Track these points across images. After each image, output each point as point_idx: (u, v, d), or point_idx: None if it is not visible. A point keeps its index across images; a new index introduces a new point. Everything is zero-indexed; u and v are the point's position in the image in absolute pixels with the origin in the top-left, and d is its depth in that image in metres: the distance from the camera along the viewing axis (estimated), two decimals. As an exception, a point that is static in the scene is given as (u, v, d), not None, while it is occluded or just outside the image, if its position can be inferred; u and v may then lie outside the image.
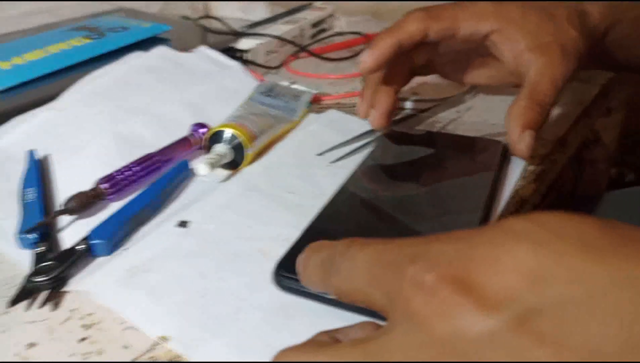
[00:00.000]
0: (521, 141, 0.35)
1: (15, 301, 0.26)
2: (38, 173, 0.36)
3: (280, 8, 0.72)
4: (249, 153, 0.38)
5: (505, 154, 0.38)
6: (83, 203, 0.33)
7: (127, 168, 0.36)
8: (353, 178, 0.35)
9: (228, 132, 0.38)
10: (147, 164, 0.37)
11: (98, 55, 0.52)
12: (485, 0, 0.39)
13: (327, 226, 0.30)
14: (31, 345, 0.24)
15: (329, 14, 0.72)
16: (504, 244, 0.16)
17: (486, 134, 0.43)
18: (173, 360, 0.23)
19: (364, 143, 0.41)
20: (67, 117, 0.42)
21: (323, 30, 0.71)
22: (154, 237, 0.31)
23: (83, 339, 0.24)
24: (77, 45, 0.53)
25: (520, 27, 0.37)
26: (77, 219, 0.33)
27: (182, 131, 0.42)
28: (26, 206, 0.32)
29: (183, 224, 0.32)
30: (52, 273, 0.27)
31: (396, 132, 0.42)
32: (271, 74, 0.59)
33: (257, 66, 0.58)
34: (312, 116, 0.47)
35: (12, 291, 0.27)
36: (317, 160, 0.39)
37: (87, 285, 0.27)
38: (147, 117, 0.43)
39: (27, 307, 0.26)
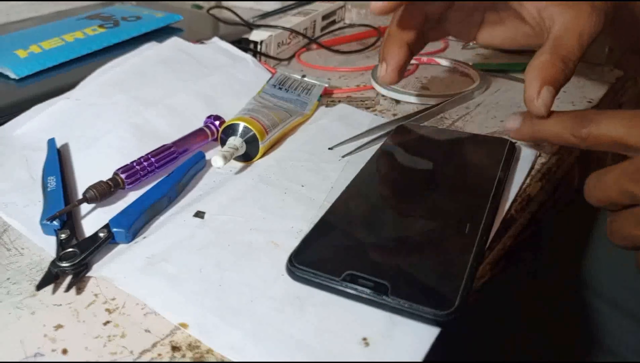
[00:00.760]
0: (539, 97, 0.33)
1: (41, 284, 0.28)
2: (59, 161, 0.37)
3: (291, -1, 0.73)
4: (262, 146, 0.39)
5: (512, 152, 0.39)
6: (103, 192, 0.34)
7: (145, 158, 0.37)
8: (364, 172, 0.36)
9: (242, 126, 0.39)
10: (164, 154, 0.38)
11: (113, 44, 0.53)
12: None
13: (339, 220, 0.31)
14: (59, 326, 0.26)
15: (340, 6, 0.72)
16: None
17: (495, 131, 0.44)
18: (192, 345, 0.25)
19: (374, 137, 0.42)
20: (84, 108, 0.43)
21: (334, 22, 0.71)
22: (172, 227, 0.32)
23: (107, 322, 0.26)
24: (92, 34, 0.54)
25: None
26: (96, 207, 0.34)
27: (195, 122, 0.43)
28: (49, 194, 0.34)
29: (199, 214, 0.33)
30: (76, 259, 0.29)
31: (406, 128, 0.43)
32: (282, 65, 0.59)
33: (268, 57, 0.58)
34: (322, 110, 0.47)
35: (39, 275, 0.29)
36: (328, 154, 0.40)
37: (110, 271, 0.29)
38: (161, 108, 0.44)
39: (53, 291, 0.27)
